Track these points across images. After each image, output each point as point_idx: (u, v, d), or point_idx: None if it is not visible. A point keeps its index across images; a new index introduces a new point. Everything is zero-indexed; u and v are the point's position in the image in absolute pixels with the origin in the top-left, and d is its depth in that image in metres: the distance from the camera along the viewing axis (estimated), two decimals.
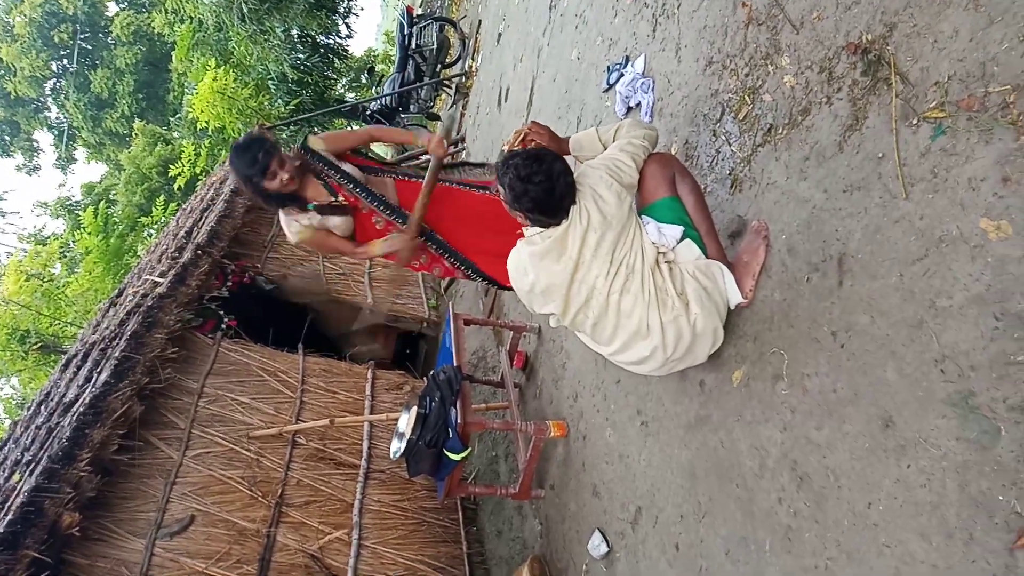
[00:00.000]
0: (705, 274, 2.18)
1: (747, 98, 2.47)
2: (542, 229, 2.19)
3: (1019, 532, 1.27)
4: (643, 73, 3.42)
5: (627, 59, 3.67)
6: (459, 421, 3.23)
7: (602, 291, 2.15)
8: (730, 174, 2.51)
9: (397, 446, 3.42)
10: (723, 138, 2.60)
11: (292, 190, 2.79)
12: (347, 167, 2.88)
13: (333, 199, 2.86)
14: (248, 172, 2.71)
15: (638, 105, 3.41)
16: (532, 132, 2.53)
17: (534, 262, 2.19)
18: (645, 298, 2.12)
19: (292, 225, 2.88)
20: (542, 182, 2.07)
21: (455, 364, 3.64)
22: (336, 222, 2.89)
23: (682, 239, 2.23)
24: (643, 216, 2.28)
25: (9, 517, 3.03)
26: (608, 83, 3.82)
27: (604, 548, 2.83)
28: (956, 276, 1.52)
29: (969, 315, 1.47)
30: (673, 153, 2.97)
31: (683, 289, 2.13)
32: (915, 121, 1.71)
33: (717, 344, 2.21)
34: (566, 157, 2.32)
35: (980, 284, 1.46)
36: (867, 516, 1.61)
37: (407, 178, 3.01)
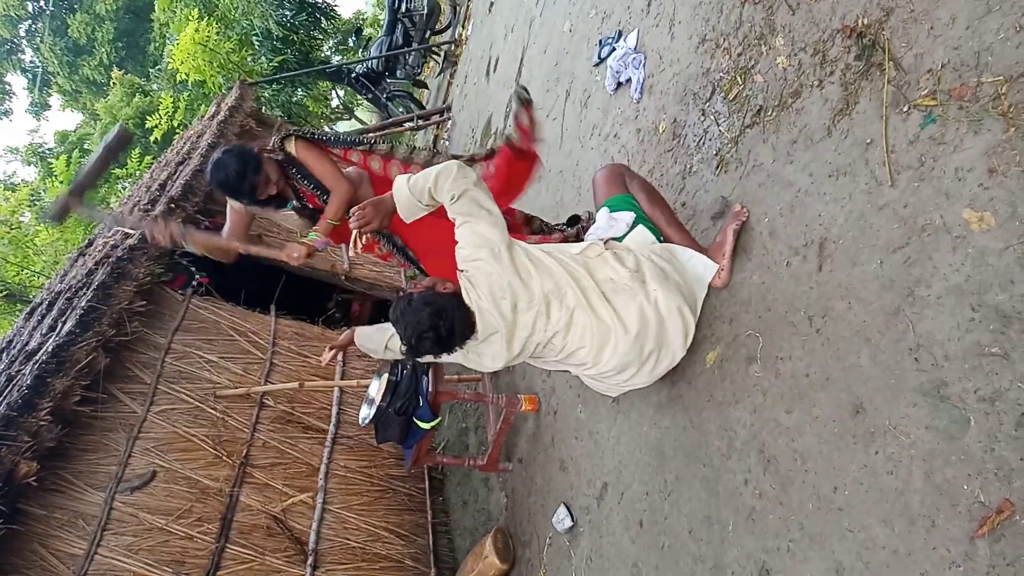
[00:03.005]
0: (661, 256, 2.19)
1: (738, 78, 2.44)
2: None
3: (981, 521, 1.28)
4: (635, 48, 3.37)
5: (620, 33, 3.62)
6: (430, 390, 3.21)
7: (550, 329, 2.15)
8: (716, 154, 2.48)
9: (366, 412, 3.39)
10: (712, 118, 2.57)
11: (276, 192, 2.76)
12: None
13: (301, 205, 2.84)
14: (235, 195, 2.69)
15: (628, 81, 3.37)
16: (360, 223, 2.42)
17: (487, 351, 2.22)
18: (590, 299, 2.11)
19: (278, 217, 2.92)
20: (431, 345, 2.11)
21: None
22: (305, 221, 2.89)
23: (634, 225, 2.27)
24: (599, 210, 2.36)
25: None
26: (599, 57, 3.77)
27: (568, 522, 2.84)
28: (936, 266, 1.51)
29: (946, 305, 1.47)
30: (660, 132, 2.95)
31: (638, 267, 2.12)
32: (906, 108, 1.70)
33: (689, 330, 2.17)
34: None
35: (959, 275, 1.46)
36: (832, 500, 1.61)
37: (385, 158, 2.87)
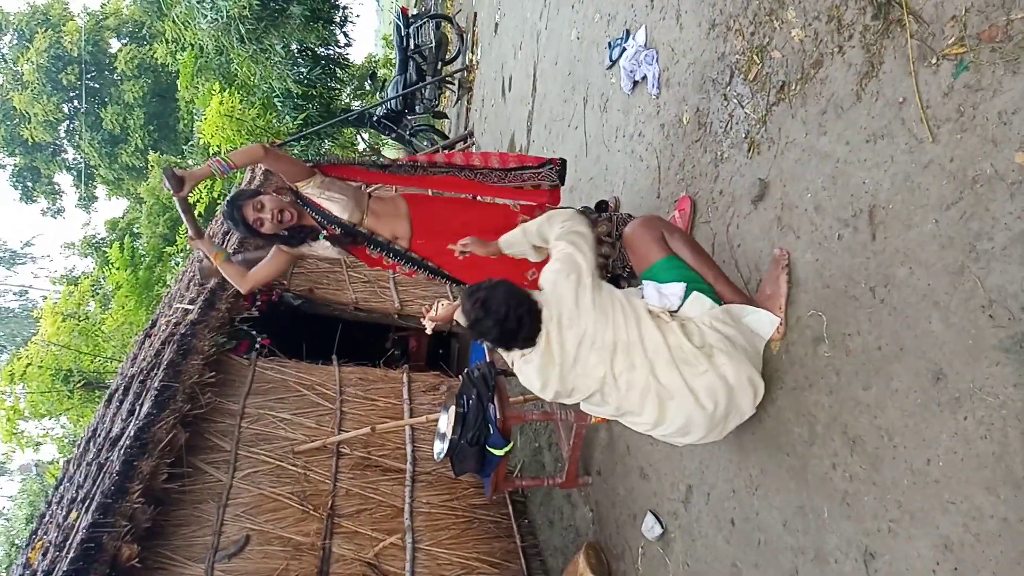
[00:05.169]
0: (724, 321, 2.08)
1: (755, 57, 2.40)
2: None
3: None
4: (646, 45, 3.35)
5: (628, 33, 3.61)
6: (498, 416, 3.21)
7: (608, 377, 2.09)
8: (746, 137, 2.44)
9: (440, 447, 3.42)
10: (735, 101, 2.54)
11: (293, 224, 2.81)
12: (339, 207, 2.85)
13: (330, 235, 2.91)
14: (242, 233, 2.82)
15: (644, 78, 3.35)
16: (466, 251, 2.60)
17: (535, 376, 2.18)
18: (654, 363, 2.04)
19: (319, 251, 2.99)
20: (492, 327, 2.07)
21: (488, 360, 3.63)
22: (340, 250, 2.96)
23: (688, 294, 2.15)
24: (644, 281, 2.24)
25: (72, 555, 3.09)
26: (611, 59, 3.76)
27: (658, 529, 2.80)
28: (995, 216, 1.45)
29: (1014, 255, 1.41)
30: (685, 123, 2.92)
31: (704, 342, 2.03)
32: (934, 60, 1.64)
33: (759, 393, 2.07)
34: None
35: (1022, 221, 1.40)
36: (927, 474, 1.55)
37: (421, 174, 3.01)
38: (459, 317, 2.30)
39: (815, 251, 2.01)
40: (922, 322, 1.61)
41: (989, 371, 1.43)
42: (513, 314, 2.05)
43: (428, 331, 2.61)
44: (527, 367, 2.20)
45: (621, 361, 2.06)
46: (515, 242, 2.45)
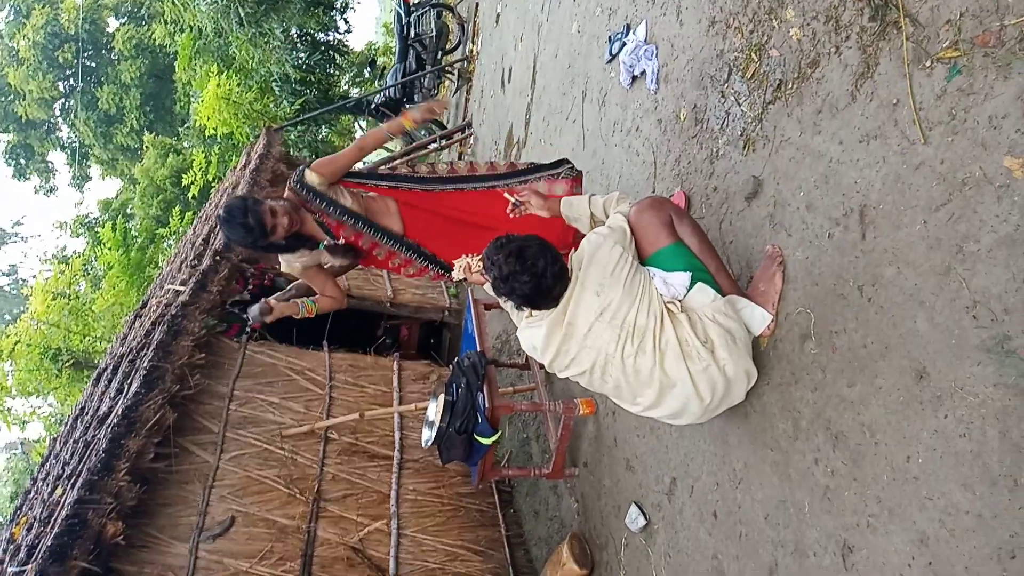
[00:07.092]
0: (726, 314, 2.07)
1: (754, 55, 2.41)
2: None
3: None
4: (645, 40, 3.36)
5: (628, 27, 3.62)
6: (487, 405, 3.23)
7: (615, 355, 2.07)
8: (742, 135, 2.46)
9: (428, 435, 3.44)
10: (732, 98, 2.55)
11: (297, 230, 2.72)
12: (346, 200, 2.78)
13: (333, 241, 2.83)
14: (250, 240, 2.60)
15: (643, 73, 3.36)
16: (523, 201, 2.52)
17: (541, 340, 2.15)
18: (664, 354, 2.03)
19: (291, 261, 2.89)
20: (527, 282, 2.02)
21: (479, 349, 3.64)
22: (339, 260, 2.90)
23: (692, 284, 2.13)
24: (648, 268, 2.19)
25: (56, 530, 3.09)
26: (611, 54, 3.77)
27: (642, 521, 2.83)
28: (982, 219, 1.48)
29: (999, 257, 1.43)
30: (682, 119, 2.93)
31: (707, 336, 2.03)
32: (929, 63, 1.66)
33: (752, 381, 2.10)
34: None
35: (1008, 225, 1.42)
36: (907, 470, 1.58)
37: (407, 186, 2.92)
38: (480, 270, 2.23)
39: (805, 249, 2.03)
40: (907, 321, 1.63)
41: (971, 371, 1.45)
42: (550, 270, 2.01)
43: (455, 277, 2.45)
44: (532, 328, 2.17)
45: (632, 344, 2.04)
46: (576, 204, 2.41)
